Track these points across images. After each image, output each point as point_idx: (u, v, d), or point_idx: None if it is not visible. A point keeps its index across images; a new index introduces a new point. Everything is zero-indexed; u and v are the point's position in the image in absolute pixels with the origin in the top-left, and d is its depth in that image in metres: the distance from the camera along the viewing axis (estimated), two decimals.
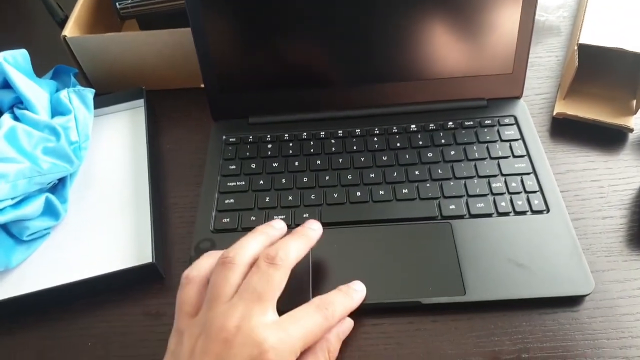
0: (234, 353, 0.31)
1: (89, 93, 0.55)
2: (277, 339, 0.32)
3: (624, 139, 0.52)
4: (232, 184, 0.49)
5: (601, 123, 0.51)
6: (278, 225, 0.41)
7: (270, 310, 0.34)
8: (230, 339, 0.31)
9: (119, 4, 0.56)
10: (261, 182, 0.49)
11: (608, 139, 0.52)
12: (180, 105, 0.60)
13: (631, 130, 0.51)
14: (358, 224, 0.46)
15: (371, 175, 0.49)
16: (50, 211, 0.48)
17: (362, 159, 0.51)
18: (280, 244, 0.37)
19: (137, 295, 0.44)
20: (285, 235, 0.40)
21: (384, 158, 0.50)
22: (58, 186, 0.50)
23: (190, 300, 0.36)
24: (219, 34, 0.50)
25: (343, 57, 0.52)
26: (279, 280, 0.35)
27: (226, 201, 0.48)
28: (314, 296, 0.41)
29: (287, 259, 0.36)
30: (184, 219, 0.49)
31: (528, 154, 0.49)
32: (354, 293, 0.39)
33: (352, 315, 0.40)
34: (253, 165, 0.51)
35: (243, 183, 0.49)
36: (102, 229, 0.48)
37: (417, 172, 0.49)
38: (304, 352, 0.34)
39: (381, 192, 0.48)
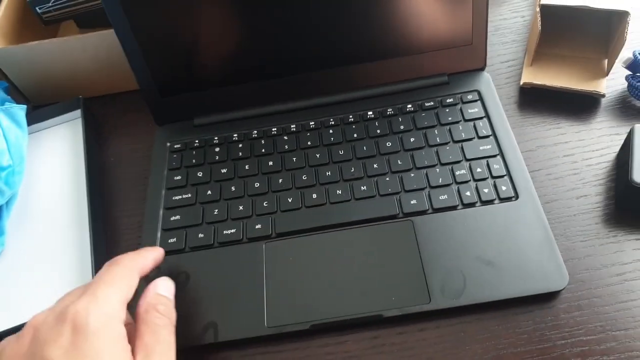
0: (43, 341, 0.27)
1: (20, 110, 0.49)
2: (83, 302, 0.28)
3: (597, 104, 0.46)
4: (177, 197, 0.44)
5: (571, 90, 0.46)
6: None
7: (78, 295, 0.29)
8: (34, 332, 0.27)
9: (40, 9, 0.49)
10: (209, 192, 0.44)
11: (579, 106, 0.46)
12: (124, 111, 0.54)
13: (603, 95, 0.45)
14: (315, 231, 0.41)
15: (327, 174, 0.44)
16: None
17: (318, 156, 0.45)
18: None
19: None
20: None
21: (341, 152, 0.45)
22: None
23: None
24: (145, 31, 0.44)
25: (288, 43, 0.46)
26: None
27: (172, 218, 0.43)
28: (268, 320, 0.37)
29: None
30: (134, 241, 0.44)
31: (494, 133, 0.44)
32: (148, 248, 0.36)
33: (311, 333, 0.37)
34: (200, 174, 0.45)
35: (189, 195, 0.44)
36: (44, 261, 0.43)
37: (375, 165, 0.44)
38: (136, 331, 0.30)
39: (338, 192, 0.43)
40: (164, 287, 0.34)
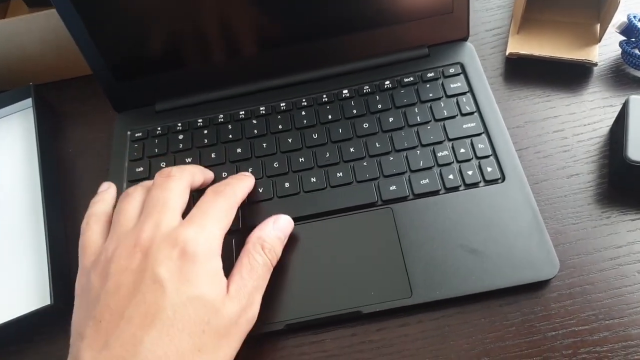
0: (154, 260, 0.29)
1: None
2: (193, 231, 0.30)
3: (588, 74, 0.43)
4: None
5: (561, 60, 0.43)
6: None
7: (178, 215, 0.32)
8: (145, 250, 0.29)
9: None
10: None
11: (570, 76, 0.43)
12: (81, 97, 0.50)
13: (595, 64, 0.42)
14: None
15: (300, 160, 0.41)
16: None
17: (290, 140, 0.42)
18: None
19: (45, 341, 0.37)
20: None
21: (314, 136, 0.42)
22: None
23: (94, 239, 0.33)
24: (91, 7, 0.40)
25: (252, 18, 0.42)
26: (179, 188, 0.33)
27: None
28: None
29: (182, 172, 0.34)
30: None
31: (478, 110, 0.41)
32: (242, 175, 0.38)
33: (286, 333, 0.35)
34: (163, 164, 0.42)
35: None
36: None
37: (352, 149, 0.41)
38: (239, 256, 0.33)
39: (313, 180, 0.40)
40: (281, 226, 0.35)
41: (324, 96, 0.44)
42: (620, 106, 0.39)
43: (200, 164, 0.42)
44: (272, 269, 0.33)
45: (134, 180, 0.42)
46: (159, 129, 0.44)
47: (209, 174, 0.38)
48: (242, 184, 0.36)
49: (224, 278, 0.30)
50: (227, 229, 0.32)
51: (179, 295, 0.28)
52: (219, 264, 0.30)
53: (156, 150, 0.43)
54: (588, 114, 0.41)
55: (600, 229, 0.36)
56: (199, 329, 0.28)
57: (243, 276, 0.31)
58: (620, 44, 0.42)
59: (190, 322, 0.28)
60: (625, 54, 0.42)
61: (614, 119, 0.40)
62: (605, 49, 0.44)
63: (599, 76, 0.43)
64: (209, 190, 0.34)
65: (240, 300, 0.30)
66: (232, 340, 0.30)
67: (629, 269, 0.34)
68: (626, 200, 0.37)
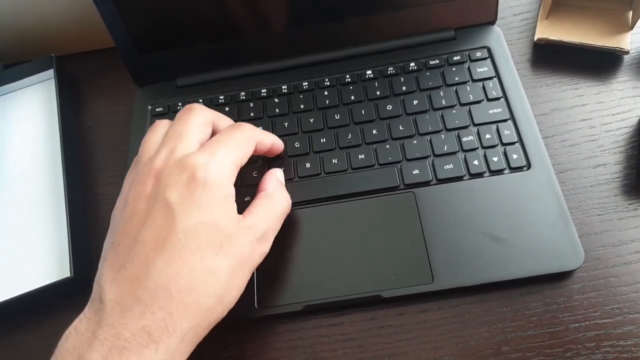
0: (164, 185, 0.28)
1: None
2: (203, 157, 0.29)
3: (619, 62, 0.41)
4: None
5: (591, 47, 0.40)
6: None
7: (194, 144, 0.31)
8: (158, 175, 0.29)
9: None
10: None
11: (600, 64, 0.41)
12: (103, 69, 0.48)
13: (627, 52, 0.39)
14: (308, 204, 0.36)
15: (322, 140, 0.39)
16: None
17: (311, 120, 0.40)
18: None
19: (65, 312, 0.36)
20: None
21: (337, 117, 0.40)
22: None
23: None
24: None
25: None
26: (198, 122, 0.32)
27: None
28: (259, 301, 0.33)
29: (205, 109, 0.33)
30: None
31: (505, 95, 0.39)
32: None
33: (304, 314, 0.33)
34: None
35: None
36: (17, 238, 0.39)
37: (375, 131, 0.39)
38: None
39: (334, 161, 0.38)
40: (282, 176, 0.36)
41: (347, 76, 0.42)
42: None
43: None
44: (285, 216, 0.33)
45: None
46: (180, 104, 0.43)
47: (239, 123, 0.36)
48: (266, 133, 0.35)
49: (235, 205, 0.29)
50: (243, 162, 0.31)
51: (190, 219, 0.27)
52: (230, 190, 0.29)
53: None
54: (617, 103, 0.39)
55: (626, 221, 0.34)
56: (212, 252, 0.27)
57: (261, 213, 0.31)
58: None
59: (202, 245, 0.27)
60: None
61: None
62: (637, 37, 0.41)
63: (630, 65, 0.40)
64: (228, 125, 0.33)
65: (255, 233, 0.29)
66: (245, 271, 0.29)
67: None
68: None
